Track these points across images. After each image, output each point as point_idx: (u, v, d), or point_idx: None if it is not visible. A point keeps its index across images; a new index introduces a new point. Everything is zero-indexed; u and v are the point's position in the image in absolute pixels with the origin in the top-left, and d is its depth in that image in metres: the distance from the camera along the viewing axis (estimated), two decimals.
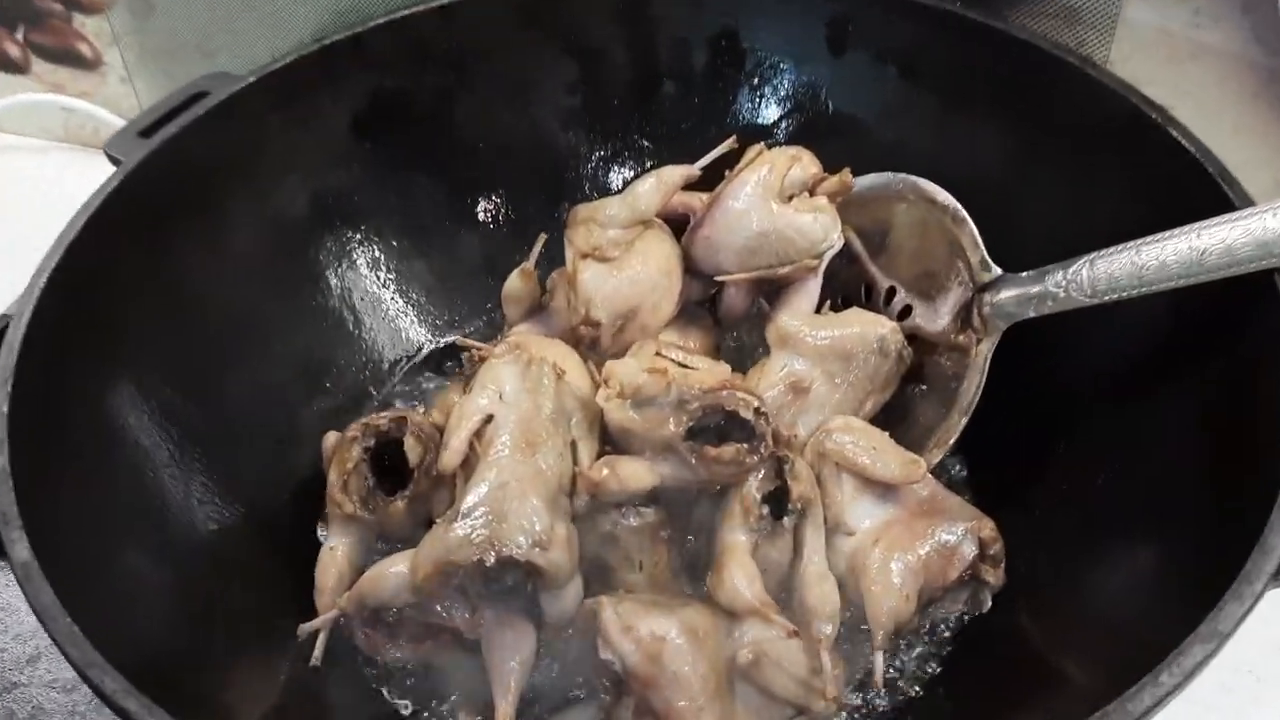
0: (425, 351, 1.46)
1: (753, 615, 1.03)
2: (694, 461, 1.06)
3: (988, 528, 1.09)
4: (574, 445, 1.10)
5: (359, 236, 1.41)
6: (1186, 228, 1.01)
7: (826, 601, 1.06)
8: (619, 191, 1.35)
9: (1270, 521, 0.81)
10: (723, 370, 1.19)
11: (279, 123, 1.30)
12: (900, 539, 1.09)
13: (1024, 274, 1.16)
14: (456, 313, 1.49)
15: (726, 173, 1.28)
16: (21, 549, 0.81)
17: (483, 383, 1.11)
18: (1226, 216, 0.99)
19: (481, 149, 1.45)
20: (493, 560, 0.97)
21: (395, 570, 1.05)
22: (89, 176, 1.18)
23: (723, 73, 1.45)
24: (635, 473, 1.07)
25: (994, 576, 1.10)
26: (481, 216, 1.48)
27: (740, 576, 1.04)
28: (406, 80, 1.38)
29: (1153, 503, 1.04)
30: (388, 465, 1.16)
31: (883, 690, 1.07)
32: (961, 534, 1.09)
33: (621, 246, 1.25)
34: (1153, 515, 1.04)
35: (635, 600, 1.03)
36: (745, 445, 1.06)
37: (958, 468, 1.28)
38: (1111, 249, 1.07)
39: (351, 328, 1.40)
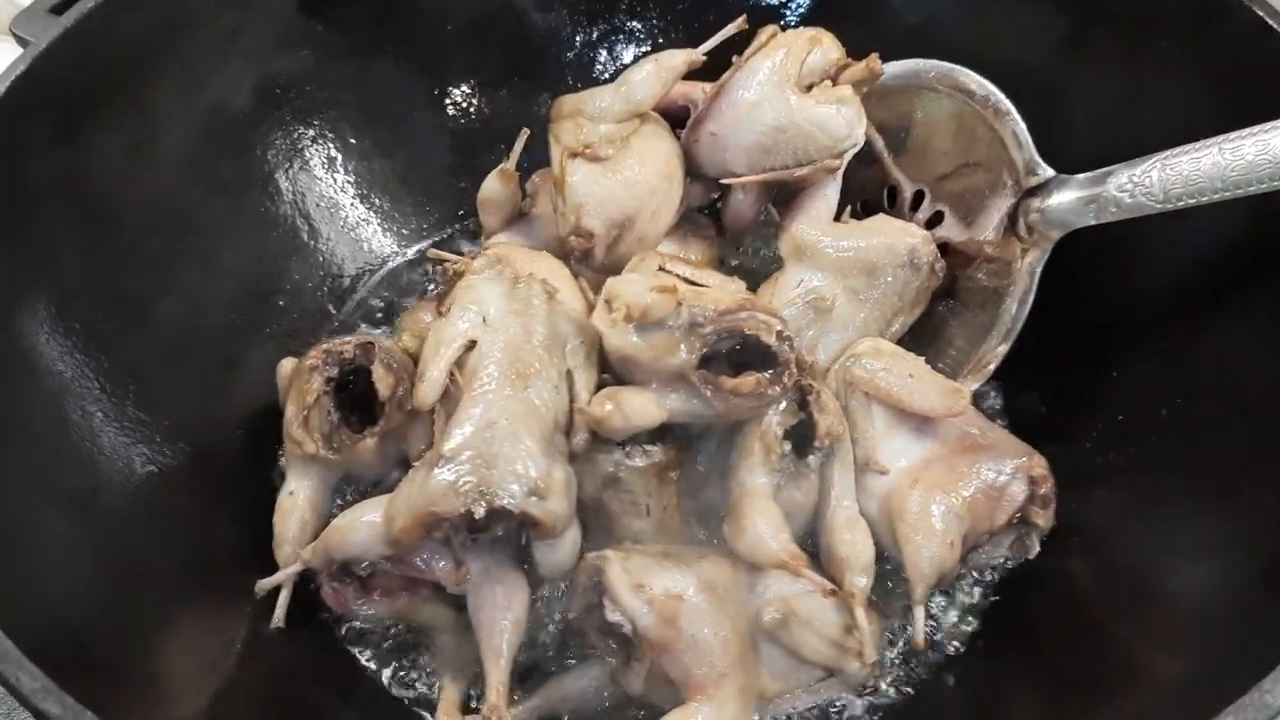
0: (391, 265, 1.30)
1: (779, 569, 0.90)
2: (708, 393, 0.93)
3: (1039, 465, 0.97)
4: (569, 375, 0.95)
5: (312, 133, 1.23)
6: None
7: (859, 551, 0.94)
8: (609, 81, 1.19)
9: None
10: (737, 288, 1.05)
11: None
12: (941, 479, 0.96)
13: (1081, 176, 1.01)
14: (425, 220, 1.32)
15: (735, 59, 1.12)
16: None
17: (462, 303, 0.96)
18: None
19: (450, 30, 1.26)
20: (482, 512, 0.83)
21: (367, 519, 0.91)
22: None
23: None
24: (642, 407, 0.93)
25: (1043, 519, 0.98)
26: (451, 110, 1.31)
27: (763, 525, 0.91)
28: None
29: (1224, 440, 0.92)
30: (353, 397, 1.00)
31: (922, 651, 0.95)
32: (1010, 472, 0.97)
33: (616, 144, 1.09)
34: (1224, 454, 0.92)
35: (645, 554, 0.90)
36: (767, 375, 0.92)
37: (993, 395, 1.14)
38: (1188, 147, 0.93)
39: (306, 238, 1.23)
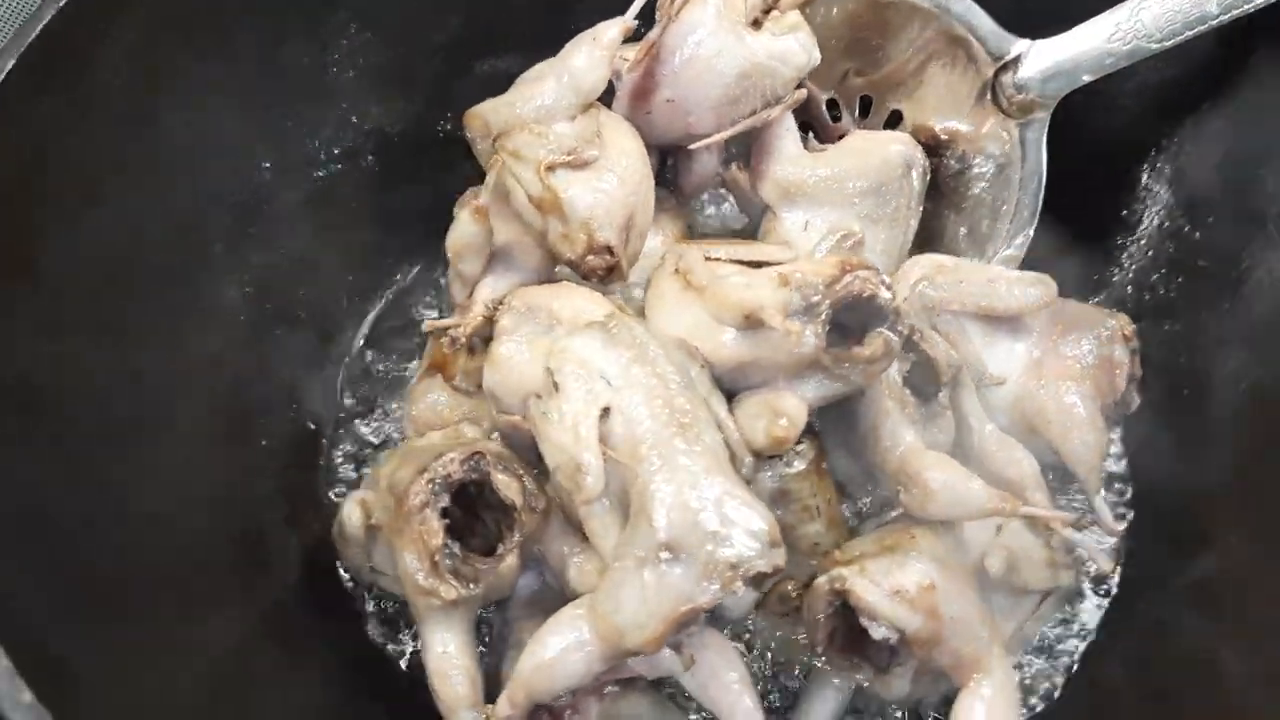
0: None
1: (996, 515, 0.86)
2: (841, 369, 0.86)
3: (1125, 323, 0.99)
4: (707, 404, 0.86)
5: None
6: None
7: (1024, 466, 0.93)
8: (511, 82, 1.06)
9: None
10: (783, 249, 0.99)
11: None
12: (1059, 369, 0.96)
13: (1056, 39, 1.02)
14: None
15: (658, 14, 1.02)
16: None
17: (564, 374, 0.83)
18: None
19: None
20: (743, 588, 0.74)
21: (563, 645, 0.79)
22: None
23: None
24: (798, 409, 0.85)
25: (1138, 371, 1.00)
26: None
27: (949, 477, 0.87)
28: None
29: None
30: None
31: (1116, 534, 0.96)
32: (1108, 339, 0.98)
33: (592, 142, 0.98)
34: None
35: (871, 558, 0.84)
36: (882, 331, 0.87)
37: None
38: None
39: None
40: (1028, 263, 1.06)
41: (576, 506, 0.82)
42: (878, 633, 0.80)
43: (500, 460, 0.83)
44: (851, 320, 0.88)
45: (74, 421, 0.79)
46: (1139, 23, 0.96)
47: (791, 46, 1.01)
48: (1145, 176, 1.07)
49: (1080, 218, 1.09)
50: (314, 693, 0.90)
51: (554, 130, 0.98)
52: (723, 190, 1.18)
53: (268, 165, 1.01)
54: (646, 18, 0.98)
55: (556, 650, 0.79)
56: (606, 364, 0.83)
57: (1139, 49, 0.97)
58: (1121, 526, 0.95)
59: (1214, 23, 0.94)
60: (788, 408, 0.84)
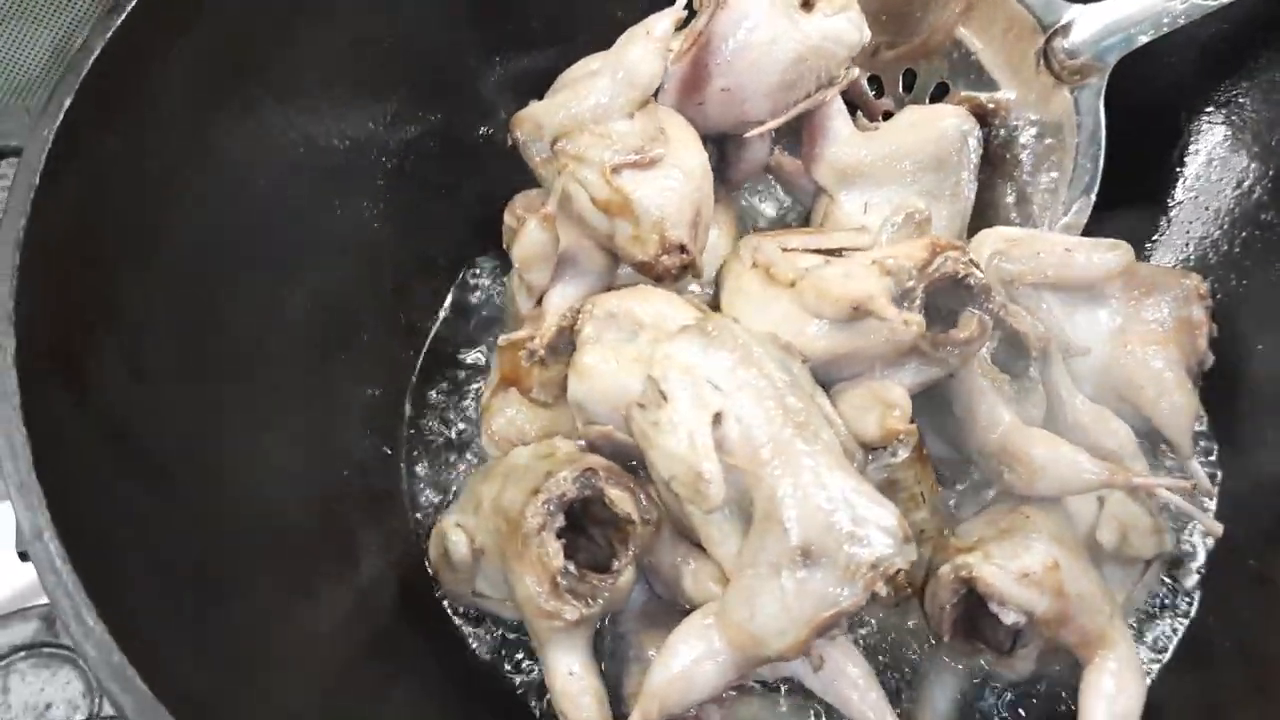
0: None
1: (1106, 487, 0.86)
2: (940, 354, 0.85)
3: (1200, 283, 0.99)
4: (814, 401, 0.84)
5: None
6: None
7: (1120, 437, 0.92)
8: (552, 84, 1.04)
9: None
10: (855, 232, 0.98)
11: None
12: (1143, 334, 0.96)
13: (1108, 1, 1.01)
14: None
15: (698, 3, 1.00)
16: None
17: (671, 379, 0.81)
18: None
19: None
20: (886, 590, 0.73)
21: (701, 655, 0.78)
22: None
23: None
24: (903, 395, 0.84)
25: (1214, 329, 1.00)
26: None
27: (1055, 452, 0.86)
28: None
29: None
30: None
31: (1212, 494, 0.96)
32: (1184, 299, 0.98)
33: (656, 139, 0.95)
34: None
35: (992, 542, 0.83)
36: (975, 312, 0.86)
37: None
38: None
39: None
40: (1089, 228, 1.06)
41: (690, 515, 0.81)
42: (1008, 617, 0.80)
43: (612, 474, 0.82)
44: (940, 301, 0.87)
45: (164, 459, 0.76)
46: None
47: (844, 25, 0.99)
48: (1201, 133, 1.06)
49: (1137, 177, 1.08)
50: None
51: (615, 130, 0.96)
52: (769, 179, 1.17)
53: (318, 183, 0.98)
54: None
55: (688, 661, 0.78)
56: (712, 368, 0.81)
57: (1195, 7, 0.96)
58: (1209, 489, 0.96)
59: None
60: (896, 398, 0.83)
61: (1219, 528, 0.89)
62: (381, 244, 1.05)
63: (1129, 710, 0.80)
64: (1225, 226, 1.05)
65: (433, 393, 1.08)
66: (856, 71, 1.02)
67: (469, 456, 1.05)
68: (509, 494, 0.82)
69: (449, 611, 0.97)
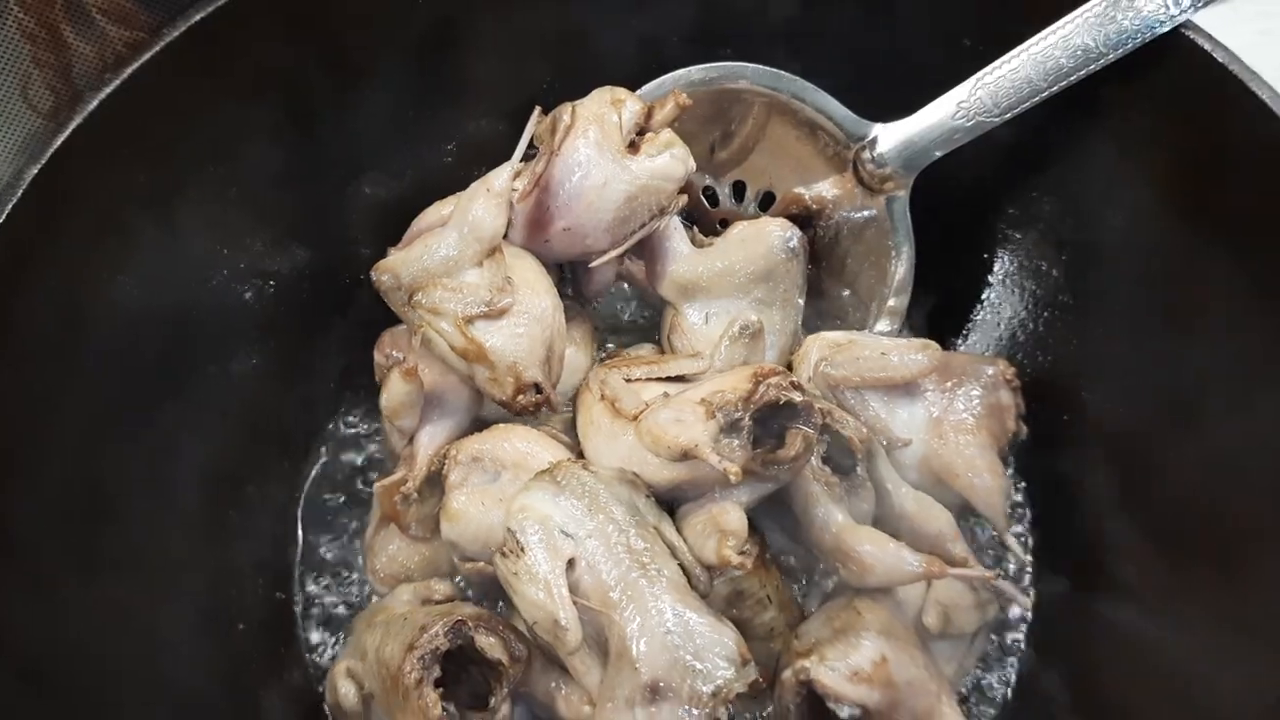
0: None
1: (929, 579, 0.97)
2: (771, 471, 0.95)
3: (1006, 367, 1.09)
4: (658, 532, 0.93)
5: None
6: (1077, 13, 1.01)
7: (942, 521, 1.03)
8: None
9: None
10: (696, 356, 1.07)
11: None
12: (956, 423, 1.06)
13: (904, 120, 1.11)
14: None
15: (539, 148, 1.09)
16: None
17: (525, 532, 0.89)
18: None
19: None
20: (725, 715, 0.82)
21: None
22: None
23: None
24: (739, 520, 0.94)
25: (1021, 406, 1.11)
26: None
27: (880, 550, 0.97)
28: None
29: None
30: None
31: (1024, 563, 1.08)
32: (993, 385, 1.08)
33: (504, 289, 1.03)
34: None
35: (826, 644, 0.93)
36: (800, 428, 0.96)
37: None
38: (998, 61, 1.05)
39: None
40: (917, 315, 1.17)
41: (556, 650, 0.90)
42: (844, 713, 0.90)
43: (480, 621, 0.90)
44: (771, 420, 0.96)
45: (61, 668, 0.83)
46: (978, 99, 1.06)
47: (668, 163, 1.08)
48: (1006, 227, 1.17)
49: (957, 268, 1.20)
50: None
51: (465, 281, 1.04)
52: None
53: (195, 347, 1.05)
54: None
55: None
56: (563, 517, 0.90)
57: (981, 123, 1.06)
58: (1024, 558, 1.07)
59: (1044, 95, 1.03)
60: (731, 524, 0.92)
61: (1027, 601, 1.00)
62: (259, 398, 1.11)
63: None
64: (1030, 307, 1.16)
65: (320, 534, 1.15)
66: (685, 198, 1.11)
67: (355, 592, 1.12)
68: (388, 647, 0.90)
69: None
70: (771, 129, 1.18)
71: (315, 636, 1.10)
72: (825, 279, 1.22)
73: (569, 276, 1.18)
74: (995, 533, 1.06)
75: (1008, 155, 1.12)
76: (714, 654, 0.84)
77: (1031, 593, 1.05)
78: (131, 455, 0.96)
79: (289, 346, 1.15)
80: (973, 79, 1.06)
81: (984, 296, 1.21)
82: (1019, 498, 1.15)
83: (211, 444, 1.05)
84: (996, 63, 1.05)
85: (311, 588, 1.12)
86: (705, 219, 1.25)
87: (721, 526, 0.92)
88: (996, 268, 1.19)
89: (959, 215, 1.16)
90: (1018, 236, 1.16)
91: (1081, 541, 1.09)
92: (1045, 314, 1.15)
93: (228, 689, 0.97)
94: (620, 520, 0.90)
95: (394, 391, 1.04)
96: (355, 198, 1.19)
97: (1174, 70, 1.00)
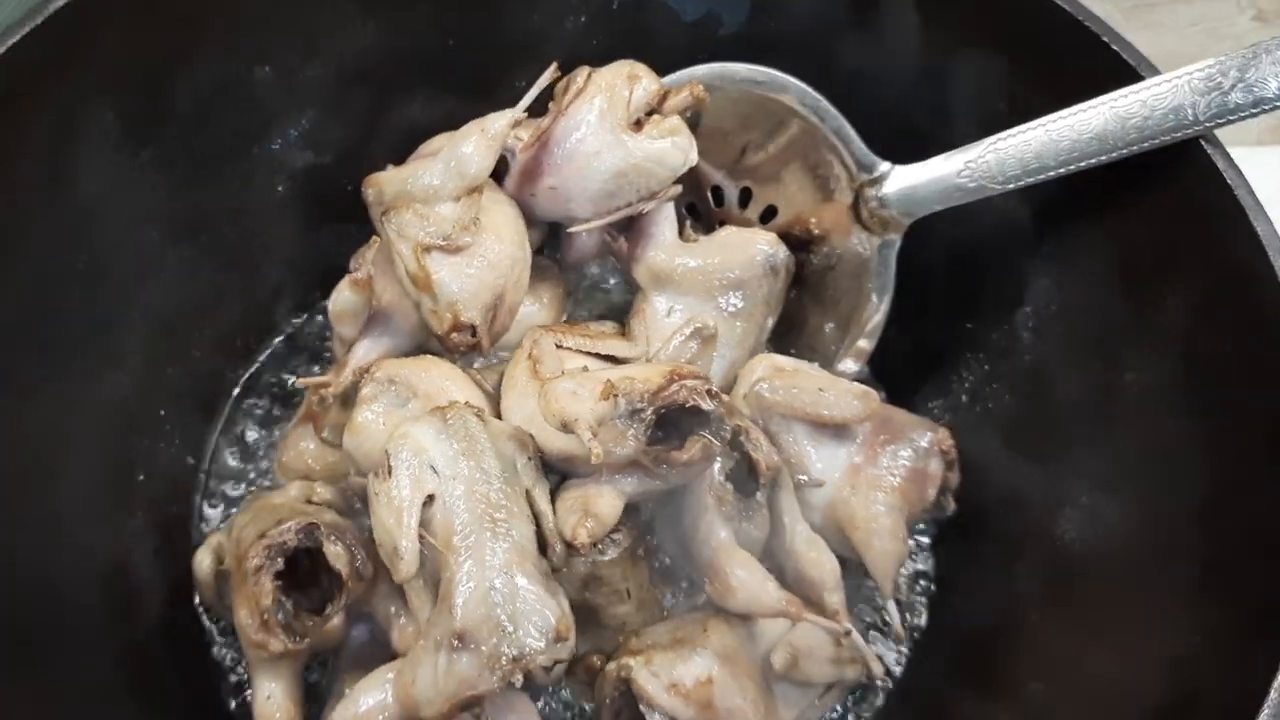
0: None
1: (779, 616, 0.96)
2: (661, 469, 0.95)
3: (945, 438, 1.07)
4: (528, 496, 0.94)
5: None
6: (1100, 99, 0.97)
7: (825, 569, 1.01)
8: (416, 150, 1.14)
9: None
10: (637, 345, 1.07)
11: None
12: (874, 478, 1.04)
13: (914, 166, 1.09)
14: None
15: (551, 105, 1.10)
16: None
17: (400, 458, 0.91)
18: (1141, 85, 0.96)
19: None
20: (521, 680, 0.83)
21: (372, 708, 0.88)
22: None
23: None
24: (610, 505, 0.94)
25: (954, 480, 1.08)
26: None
27: (749, 577, 0.96)
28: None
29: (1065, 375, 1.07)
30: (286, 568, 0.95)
31: (900, 639, 1.05)
32: (925, 451, 1.06)
33: (468, 228, 1.05)
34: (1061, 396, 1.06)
35: (660, 647, 0.93)
36: (703, 435, 0.95)
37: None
38: (1015, 130, 1.01)
39: None
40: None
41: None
42: (653, 718, 0.89)
43: (334, 530, 0.92)
44: (683, 421, 0.96)
45: None
46: (985, 163, 1.03)
47: (668, 149, 1.09)
48: (989, 296, 1.13)
49: (927, 319, 1.17)
50: None
51: (436, 212, 1.06)
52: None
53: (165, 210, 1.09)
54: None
55: (363, 707, 0.88)
56: (437, 454, 0.91)
57: (984, 188, 1.04)
58: (901, 634, 1.04)
59: (1050, 174, 1.00)
60: (600, 509, 0.93)
61: (879, 669, 0.97)
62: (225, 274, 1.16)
63: None
64: (989, 384, 1.13)
65: (250, 417, 1.19)
66: (678, 189, 1.11)
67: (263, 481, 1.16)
68: (248, 530, 0.93)
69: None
70: (794, 147, 1.16)
71: (211, 512, 1.14)
72: (809, 308, 1.21)
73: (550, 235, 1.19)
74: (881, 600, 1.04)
75: (1007, 224, 1.09)
76: (530, 622, 0.84)
77: (899, 665, 1.03)
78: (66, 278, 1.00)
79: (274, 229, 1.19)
80: (986, 141, 1.03)
81: (949, 357, 1.17)
82: (923, 566, 1.12)
83: (167, 298, 1.09)
84: (1012, 130, 1.01)
85: (227, 461, 1.16)
86: (708, 216, 1.24)
87: (589, 508, 0.93)
88: (967, 330, 1.15)
89: (944, 270, 1.13)
90: (995, 308, 1.13)
91: (970, 635, 1.06)
92: (1006, 395, 1.12)
93: (112, 533, 1.01)
94: (489, 472, 0.91)
95: (340, 297, 1.07)
96: (394, 110, 1.22)
97: (1183, 180, 0.95)
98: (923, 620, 1.11)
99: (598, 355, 1.03)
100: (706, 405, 0.94)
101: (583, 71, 1.09)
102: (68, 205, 0.98)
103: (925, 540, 1.16)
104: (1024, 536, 1.06)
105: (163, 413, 1.10)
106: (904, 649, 1.09)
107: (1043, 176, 1.00)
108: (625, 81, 1.08)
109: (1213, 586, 0.85)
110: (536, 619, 0.85)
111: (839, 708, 1.05)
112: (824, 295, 1.19)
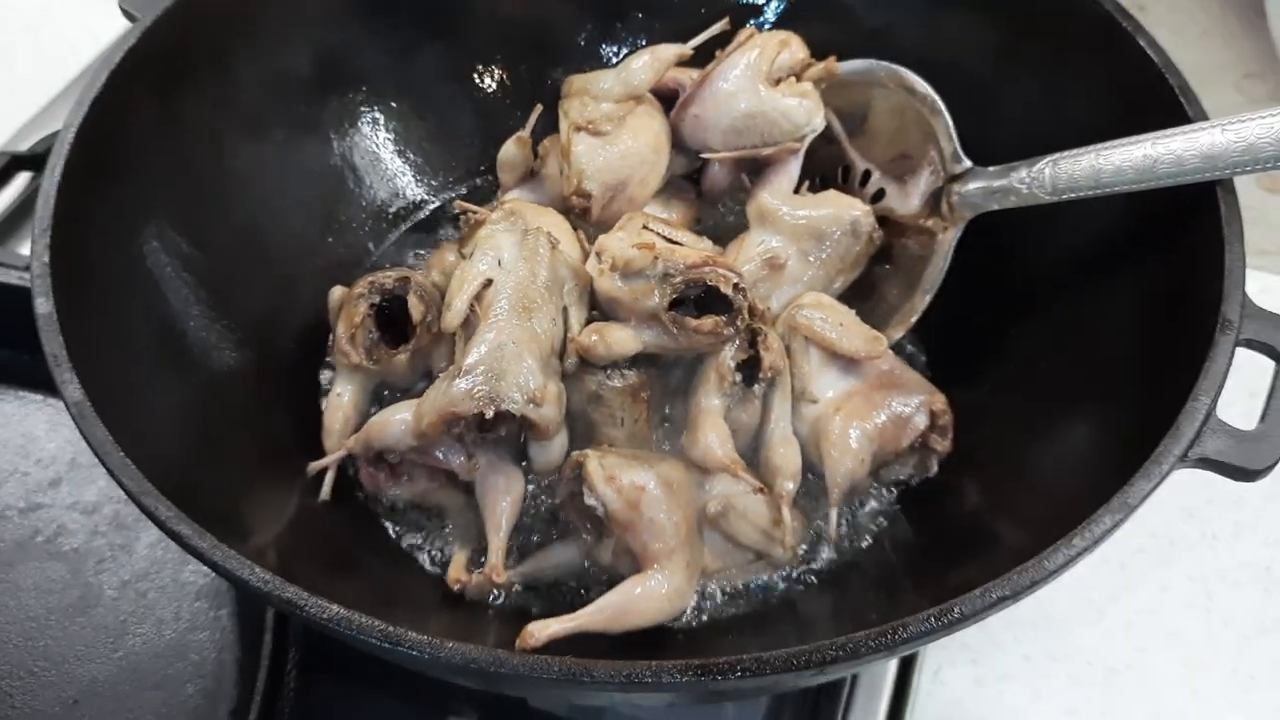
0: (422, 213, 1.53)
1: (722, 471, 1.14)
2: (675, 331, 1.16)
3: (939, 401, 1.20)
4: (565, 311, 1.18)
5: (360, 97, 1.47)
6: (1142, 137, 1.09)
7: (789, 462, 1.17)
8: (613, 65, 1.42)
9: (1183, 409, 0.92)
10: (705, 246, 1.28)
11: None
12: (859, 408, 1.19)
13: (991, 169, 1.23)
14: (451, 174, 1.55)
15: (717, 53, 1.34)
16: (74, 389, 0.89)
17: (483, 249, 1.19)
18: (1180, 129, 1.07)
19: (480, 16, 1.49)
20: (491, 413, 1.07)
21: (399, 417, 1.15)
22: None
23: None
24: (621, 339, 1.16)
25: (941, 445, 1.21)
26: (479, 82, 1.53)
27: (713, 437, 1.15)
28: None
29: (1090, 387, 1.15)
30: (390, 319, 1.25)
31: (835, 543, 1.19)
32: (915, 406, 1.19)
33: (614, 121, 1.32)
34: (1089, 399, 1.14)
35: (618, 454, 1.13)
36: (723, 318, 1.15)
37: (913, 348, 1.37)
38: (1073, 151, 1.14)
39: (352, 185, 1.47)
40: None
41: None
42: (588, 500, 1.09)
43: (421, 290, 1.21)
44: (715, 305, 1.17)
45: None
46: (1041, 176, 1.16)
47: (794, 106, 1.30)
48: (1035, 304, 1.26)
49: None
50: None
51: (598, 105, 1.33)
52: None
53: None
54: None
55: (389, 416, 1.16)
56: (508, 254, 1.17)
57: (1033, 196, 1.17)
58: (834, 538, 1.18)
59: (1090, 193, 1.12)
60: (610, 334, 1.15)
61: (791, 543, 1.12)
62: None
63: (630, 606, 1.07)
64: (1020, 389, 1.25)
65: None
66: (796, 146, 1.32)
67: None
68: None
69: None
70: (899, 130, 1.34)
71: None
72: (890, 282, 1.37)
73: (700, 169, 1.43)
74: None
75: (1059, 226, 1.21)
76: (516, 380, 1.08)
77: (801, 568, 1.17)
78: None
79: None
80: (1050, 158, 1.16)
81: (974, 349, 1.30)
82: (882, 506, 1.24)
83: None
84: (1071, 151, 1.14)
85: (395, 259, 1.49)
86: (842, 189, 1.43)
87: (603, 333, 1.15)
88: (994, 333, 1.28)
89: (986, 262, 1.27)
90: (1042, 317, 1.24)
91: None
92: (1020, 416, 1.22)
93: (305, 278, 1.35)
94: (540, 282, 1.16)
95: (506, 149, 1.37)
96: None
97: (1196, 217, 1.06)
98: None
99: (670, 239, 1.26)
100: (725, 289, 1.14)
101: (747, 30, 1.34)
102: None
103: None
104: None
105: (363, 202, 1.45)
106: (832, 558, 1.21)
107: (1083, 194, 1.13)
108: (777, 44, 1.31)
109: None
110: (523, 381, 1.08)
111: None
112: (900, 275, 1.35)
